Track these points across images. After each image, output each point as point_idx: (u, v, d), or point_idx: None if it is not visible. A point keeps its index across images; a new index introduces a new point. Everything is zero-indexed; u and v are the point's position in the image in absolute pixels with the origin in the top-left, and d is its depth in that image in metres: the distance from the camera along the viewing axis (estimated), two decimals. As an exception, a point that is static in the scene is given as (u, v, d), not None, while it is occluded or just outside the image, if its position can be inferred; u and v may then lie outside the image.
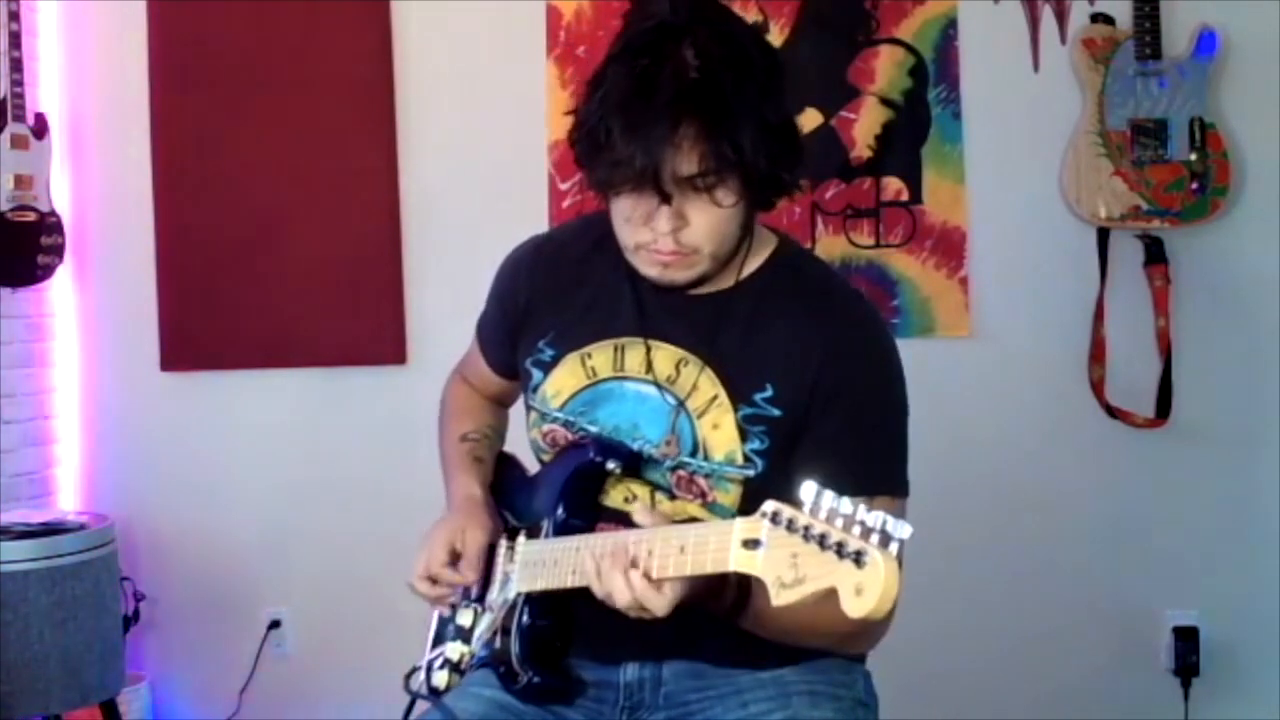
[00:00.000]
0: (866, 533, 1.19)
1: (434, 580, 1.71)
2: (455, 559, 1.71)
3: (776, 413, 1.59)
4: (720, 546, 1.33)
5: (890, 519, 1.18)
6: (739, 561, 1.30)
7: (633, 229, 1.55)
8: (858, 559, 1.17)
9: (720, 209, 1.50)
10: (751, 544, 1.28)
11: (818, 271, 1.74)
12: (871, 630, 1.55)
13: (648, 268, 1.59)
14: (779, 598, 1.24)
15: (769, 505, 1.27)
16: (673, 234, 1.53)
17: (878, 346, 1.64)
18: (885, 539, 1.18)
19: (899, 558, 1.18)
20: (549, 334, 1.73)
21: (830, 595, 1.20)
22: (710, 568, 1.35)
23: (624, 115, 1.46)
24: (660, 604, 1.41)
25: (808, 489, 1.23)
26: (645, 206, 1.51)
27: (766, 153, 1.47)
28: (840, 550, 1.19)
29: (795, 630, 1.53)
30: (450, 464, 1.87)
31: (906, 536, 1.18)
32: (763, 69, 1.50)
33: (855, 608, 1.17)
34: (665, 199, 1.49)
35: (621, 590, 1.42)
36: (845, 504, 1.21)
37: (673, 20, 1.49)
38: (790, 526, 1.24)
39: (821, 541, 1.21)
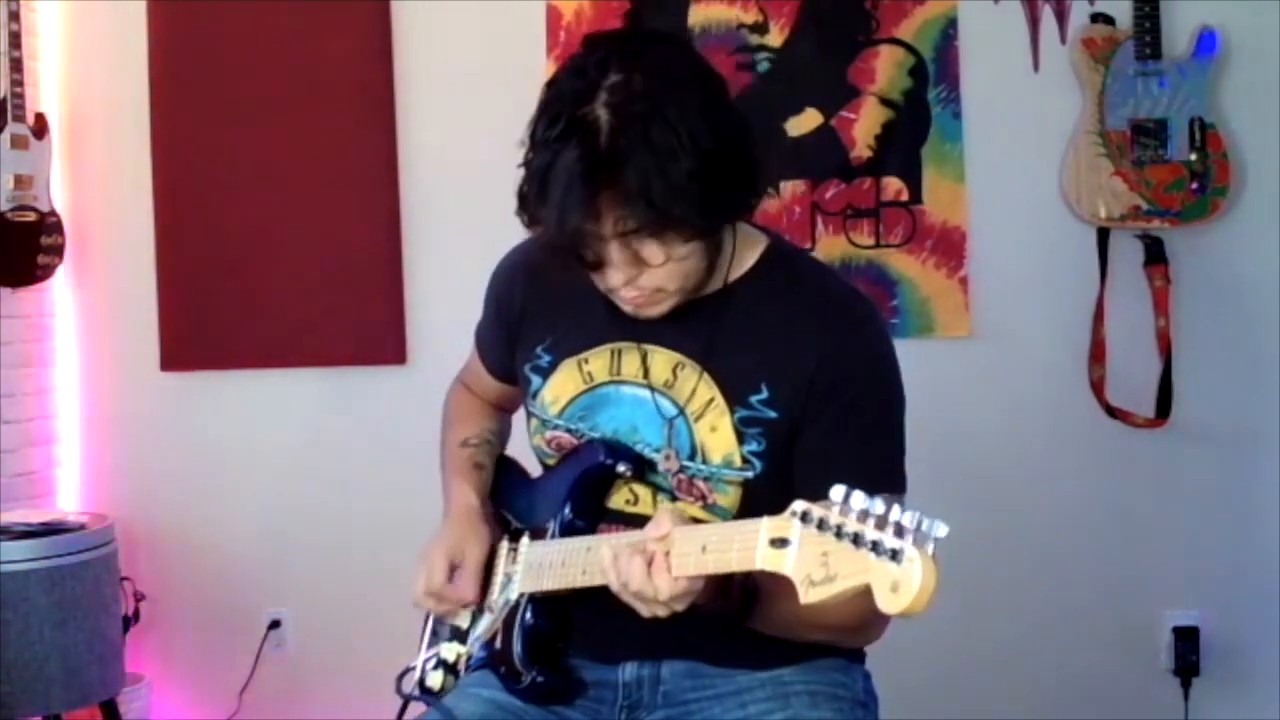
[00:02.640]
0: (901, 532, 1.19)
1: (437, 597, 1.71)
2: (454, 572, 1.71)
3: (773, 414, 1.58)
4: (745, 546, 1.33)
5: (925, 518, 1.19)
6: (766, 560, 1.30)
7: (597, 278, 1.56)
8: (895, 556, 1.18)
9: (652, 266, 1.49)
10: (779, 543, 1.29)
11: (810, 269, 1.72)
12: (879, 624, 1.56)
13: (623, 306, 1.59)
14: (808, 596, 1.24)
15: (798, 505, 1.27)
16: (627, 284, 1.53)
17: (872, 343, 1.64)
18: (921, 537, 1.18)
19: (935, 556, 1.18)
20: (546, 340, 1.73)
21: (860, 593, 1.20)
22: (734, 566, 1.35)
23: (541, 188, 1.45)
24: (676, 601, 1.41)
25: (837, 490, 1.23)
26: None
27: (693, 199, 1.43)
28: (876, 548, 1.19)
29: (802, 627, 1.54)
30: (450, 471, 1.87)
31: (943, 535, 1.18)
32: (683, 109, 1.43)
33: (891, 604, 1.18)
34: (594, 267, 1.50)
35: (640, 584, 1.41)
36: (877, 504, 1.21)
37: (583, 84, 1.44)
38: (821, 525, 1.24)
39: (855, 540, 1.21)
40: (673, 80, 1.47)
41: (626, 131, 1.42)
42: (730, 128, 1.49)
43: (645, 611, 1.44)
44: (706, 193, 1.45)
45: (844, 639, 1.65)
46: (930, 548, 1.18)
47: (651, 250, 1.48)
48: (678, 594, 1.41)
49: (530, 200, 1.48)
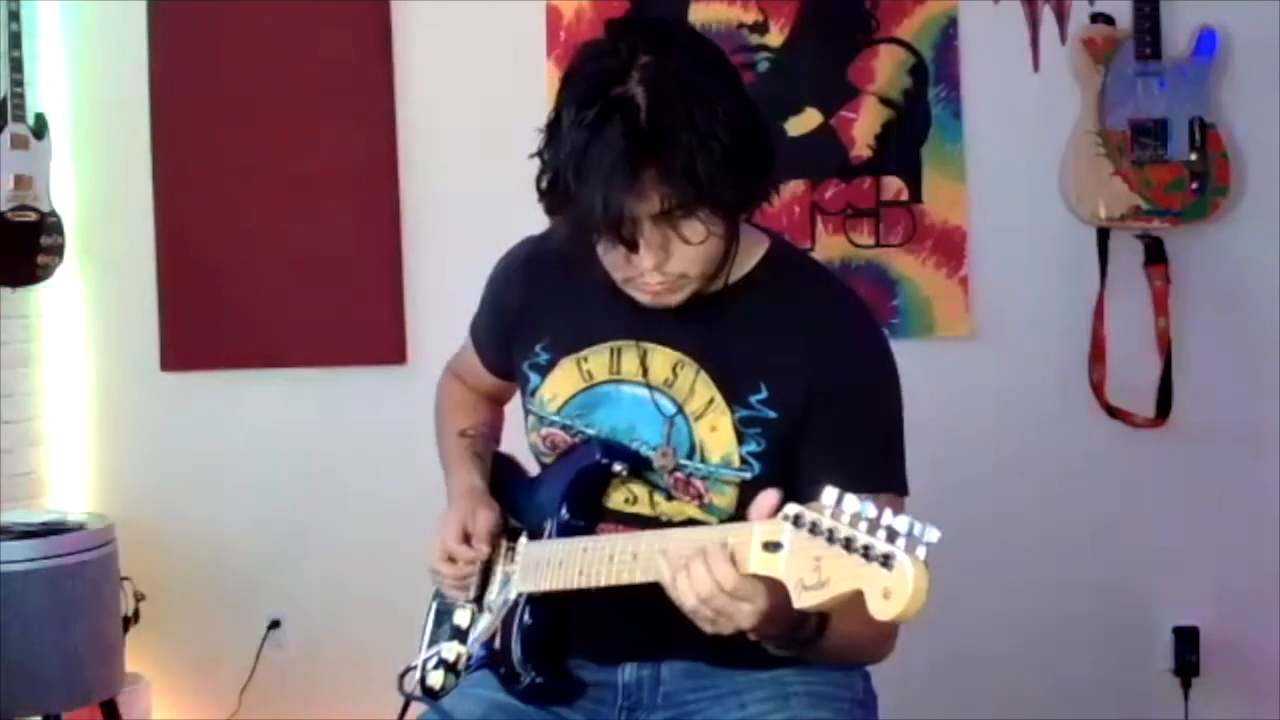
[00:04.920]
0: (893, 536, 1.18)
1: (452, 560, 1.71)
2: (467, 540, 1.72)
3: (772, 414, 1.58)
4: (739, 549, 1.32)
5: (918, 523, 1.18)
6: (759, 564, 1.30)
7: (617, 267, 1.56)
8: (886, 562, 1.17)
9: (690, 244, 1.50)
10: (772, 546, 1.28)
11: (809, 271, 1.73)
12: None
13: (639, 296, 1.59)
14: (800, 600, 1.24)
15: (791, 508, 1.27)
16: (656, 268, 1.53)
17: (870, 345, 1.64)
18: (913, 543, 1.18)
19: (926, 561, 1.18)
20: (544, 338, 1.73)
21: (854, 598, 1.20)
22: None
23: (579, 169, 1.44)
24: (742, 597, 1.34)
25: (829, 493, 1.23)
26: (622, 248, 1.51)
27: (731, 177, 1.45)
28: (867, 553, 1.19)
29: (863, 641, 1.51)
30: (450, 459, 1.88)
31: (935, 540, 1.18)
32: (715, 90, 1.46)
33: (883, 610, 1.17)
34: (632, 247, 1.49)
35: (706, 587, 1.36)
36: (869, 508, 1.21)
37: (615, 64, 1.46)
38: (814, 530, 1.24)
39: (847, 545, 1.20)
40: (701, 62, 1.49)
41: (667, 109, 1.43)
42: (754, 109, 1.51)
43: (709, 627, 1.39)
44: (741, 170, 1.47)
45: (878, 651, 1.62)
46: (922, 553, 1.18)
47: (692, 228, 1.48)
48: (738, 589, 1.33)
49: (564, 184, 1.47)
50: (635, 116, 1.43)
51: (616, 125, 1.43)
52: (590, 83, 1.46)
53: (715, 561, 1.34)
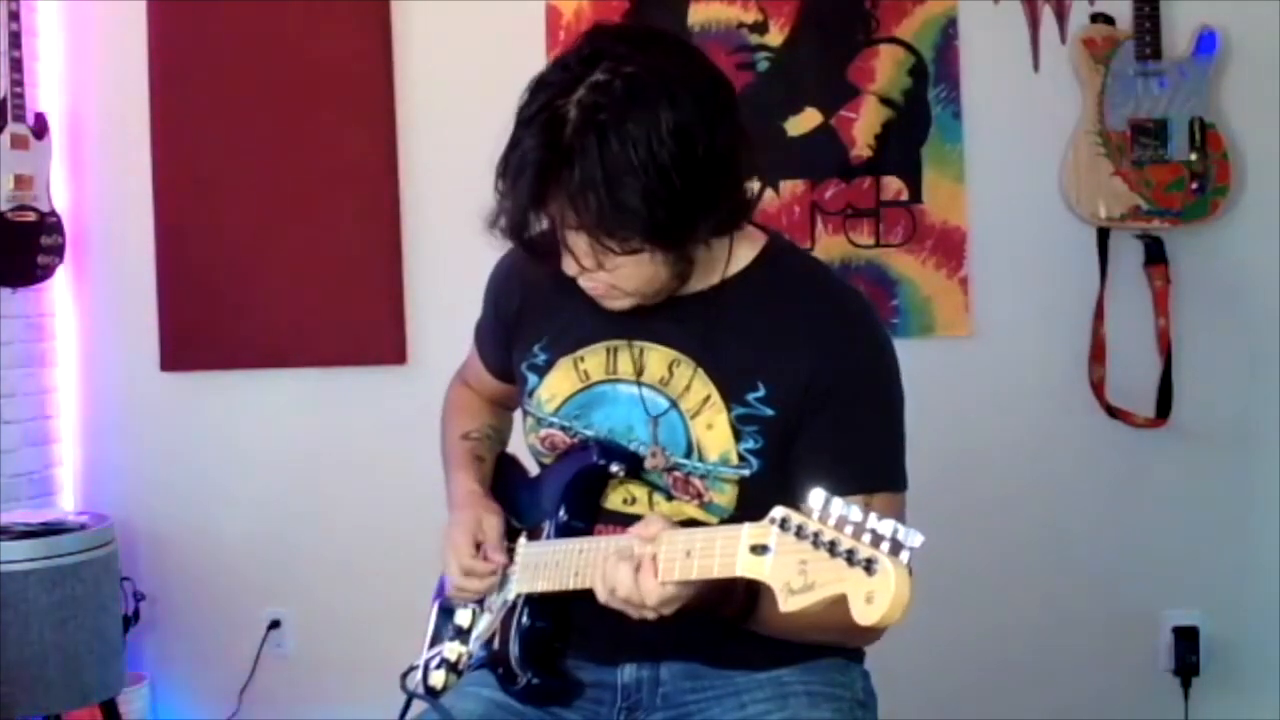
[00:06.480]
0: (877, 540, 1.19)
1: (470, 572, 1.72)
2: (478, 549, 1.72)
3: (770, 412, 1.58)
4: (727, 551, 1.33)
5: (901, 527, 1.18)
6: (746, 567, 1.30)
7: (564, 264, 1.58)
8: (868, 566, 1.17)
9: (602, 270, 1.51)
10: (759, 549, 1.28)
11: (807, 268, 1.71)
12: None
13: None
14: (787, 604, 1.24)
15: (778, 511, 1.27)
16: (582, 275, 1.55)
17: (869, 341, 1.63)
18: (896, 546, 1.18)
19: (909, 566, 1.18)
20: (542, 338, 1.73)
21: (839, 601, 1.20)
22: (717, 572, 1.35)
23: (504, 166, 1.49)
24: (664, 605, 1.41)
25: (816, 495, 1.23)
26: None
27: (637, 216, 1.43)
28: (850, 557, 1.19)
29: (802, 630, 1.53)
30: (451, 462, 1.88)
31: (918, 545, 1.18)
32: (654, 121, 1.42)
33: (866, 615, 1.17)
34: (542, 258, 1.55)
35: (627, 589, 1.42)
36: (855, 511, 1.21)
37: (568, 77, 1.45)
38: (799, 533, 1.24)
39: (831, 548, 1.20)
40: (655, 89, 1.45)
41: (585, 135, 1.43)
42: (705, 147, 1.45)
43: (634, 615, 1.45)
44: (653, 212, 1.44)
45: (847, 639, 1.65)
46: (905, 557, 1.18)
47: (583, 250, 1.50)
48: (665, 599, 1.41)
49: (497, 173, 1.52)
50: (559, 133, 1.44)
51: (537, 135, 1.45)
52: (544, 87, 1.48)
53: (616, 568, 1.43)
